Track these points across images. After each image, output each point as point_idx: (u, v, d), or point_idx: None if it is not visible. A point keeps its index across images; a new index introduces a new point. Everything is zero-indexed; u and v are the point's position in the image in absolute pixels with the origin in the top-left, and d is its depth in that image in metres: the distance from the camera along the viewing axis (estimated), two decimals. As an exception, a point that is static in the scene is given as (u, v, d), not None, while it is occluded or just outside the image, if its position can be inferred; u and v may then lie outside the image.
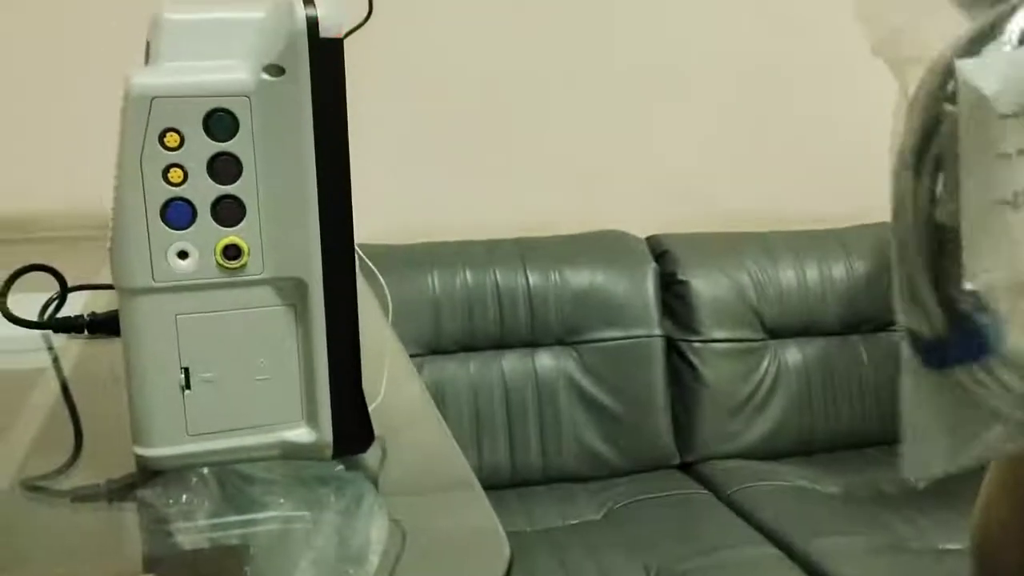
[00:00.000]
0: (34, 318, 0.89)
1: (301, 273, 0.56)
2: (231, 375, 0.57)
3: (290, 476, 0.61)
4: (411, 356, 1.68)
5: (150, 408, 0.56)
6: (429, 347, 1.71)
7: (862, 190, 1.77)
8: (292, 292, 0.57)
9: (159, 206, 0.53)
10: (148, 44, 0.55)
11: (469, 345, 1.75)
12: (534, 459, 1.73)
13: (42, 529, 0.67)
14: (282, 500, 0.59)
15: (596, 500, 1.67)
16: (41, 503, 0.70)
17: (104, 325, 0.66)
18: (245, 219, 0.55)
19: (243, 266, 0.55)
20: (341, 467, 0.61)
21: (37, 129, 1.59)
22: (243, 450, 0.58)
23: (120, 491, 0.68)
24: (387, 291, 1.27)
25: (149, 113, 0.52)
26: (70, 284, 0.89)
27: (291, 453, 0.60)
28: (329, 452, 0.59)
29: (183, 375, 0.56)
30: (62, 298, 0.88)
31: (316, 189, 0.55)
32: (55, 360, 0.85)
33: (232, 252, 0.55)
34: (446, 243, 1.81)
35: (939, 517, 1.58)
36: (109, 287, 0.56)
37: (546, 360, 1.78)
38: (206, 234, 0.54)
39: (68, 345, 0.83)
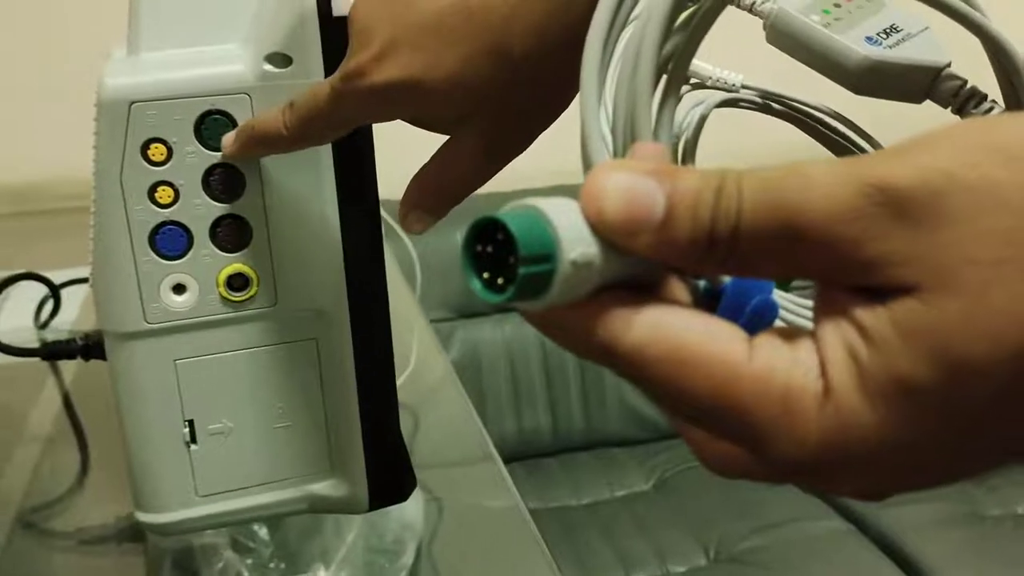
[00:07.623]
0: (27, 322, 0.81)
1: (322, 302, 0.47)
2: (244, 425, 0.48)
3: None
4: (442, 320, 1.57)
5: (151, 469, 0.47)
6: (461, 310, 1.60)
7: None
8: (312, 325, 0.47)
9: (147, 233, 0.44)
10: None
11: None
12: (577, 423, 1.63)
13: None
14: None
15: (644, 468, 1.57)
16: (44, 546, 0.62)
17: (101, 350, 0.56)
18: (251, 243, 0.45)
19: (251, 298, 0.46)
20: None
21: (27, 90, 1.45)
22: (263, 508, 0.50)
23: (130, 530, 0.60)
24: (413, 252, 1.17)
25: (128, 121, 0.42)
26: (75, 264, 0.80)
27: (320, 507, 0.51)
28: (364, 506, 0.50)
29: (187, 428, 0.47)
30: (56, 301, 0.80)
31: (336, 201, 0.45)
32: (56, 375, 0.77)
33: (237, 282, 0.45)
34: (474, 196, 1.70)
35: (1018, 478, 1.46)
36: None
37: (585, 318, 1.67)
38: (205, 263, 0.45)
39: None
